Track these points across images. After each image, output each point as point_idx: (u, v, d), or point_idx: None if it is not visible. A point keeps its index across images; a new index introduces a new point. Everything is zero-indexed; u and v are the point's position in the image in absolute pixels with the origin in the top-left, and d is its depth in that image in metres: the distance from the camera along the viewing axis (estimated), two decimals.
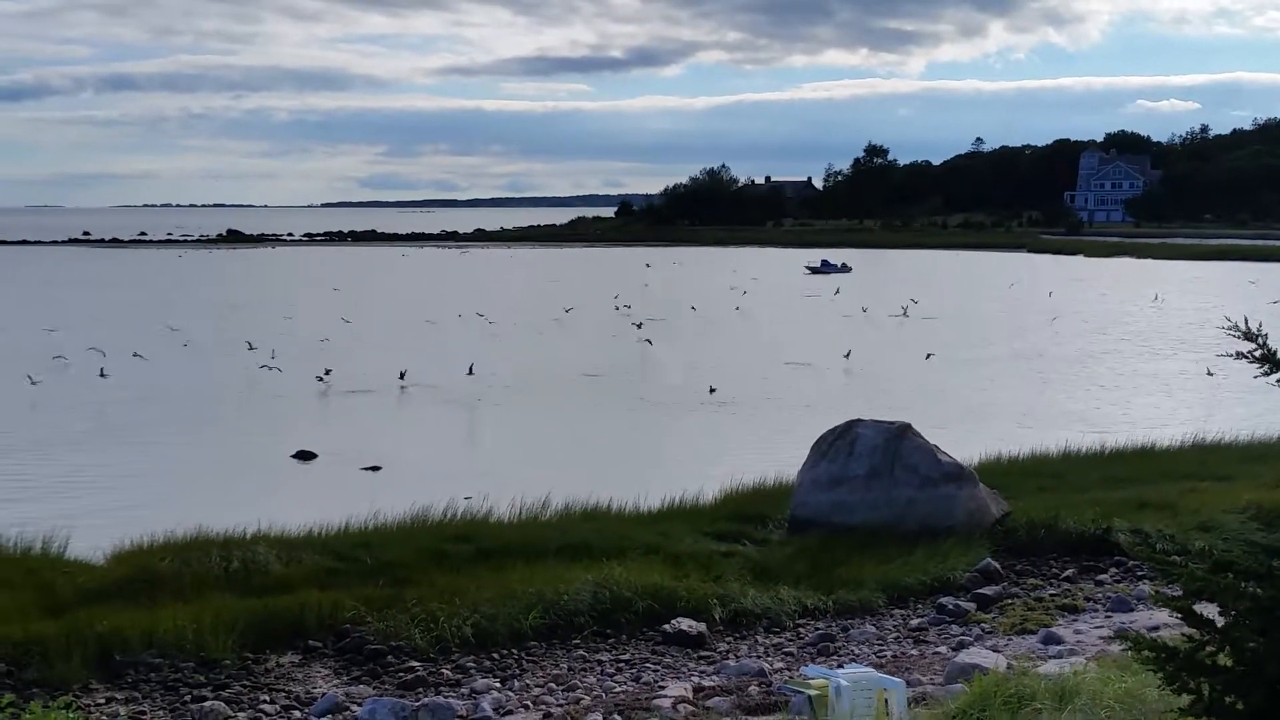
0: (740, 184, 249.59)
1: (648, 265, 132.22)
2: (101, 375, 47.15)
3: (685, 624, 18.07)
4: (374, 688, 16.20)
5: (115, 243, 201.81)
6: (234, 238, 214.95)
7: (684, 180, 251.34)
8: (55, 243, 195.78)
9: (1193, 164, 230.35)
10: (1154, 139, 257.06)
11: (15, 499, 25.00)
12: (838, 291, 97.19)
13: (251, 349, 53.82)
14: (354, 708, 15.31)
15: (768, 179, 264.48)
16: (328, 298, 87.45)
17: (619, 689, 16.12)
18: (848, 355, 54.79)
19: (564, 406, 42.75)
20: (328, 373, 46.04)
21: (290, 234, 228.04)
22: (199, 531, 20.81)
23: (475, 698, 15.73)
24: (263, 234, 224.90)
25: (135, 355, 51.54)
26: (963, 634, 18.12)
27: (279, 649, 17.12)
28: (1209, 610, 6.55)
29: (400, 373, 46.39)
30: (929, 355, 54.06)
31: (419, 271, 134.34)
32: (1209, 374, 44.39)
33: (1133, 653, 6.92)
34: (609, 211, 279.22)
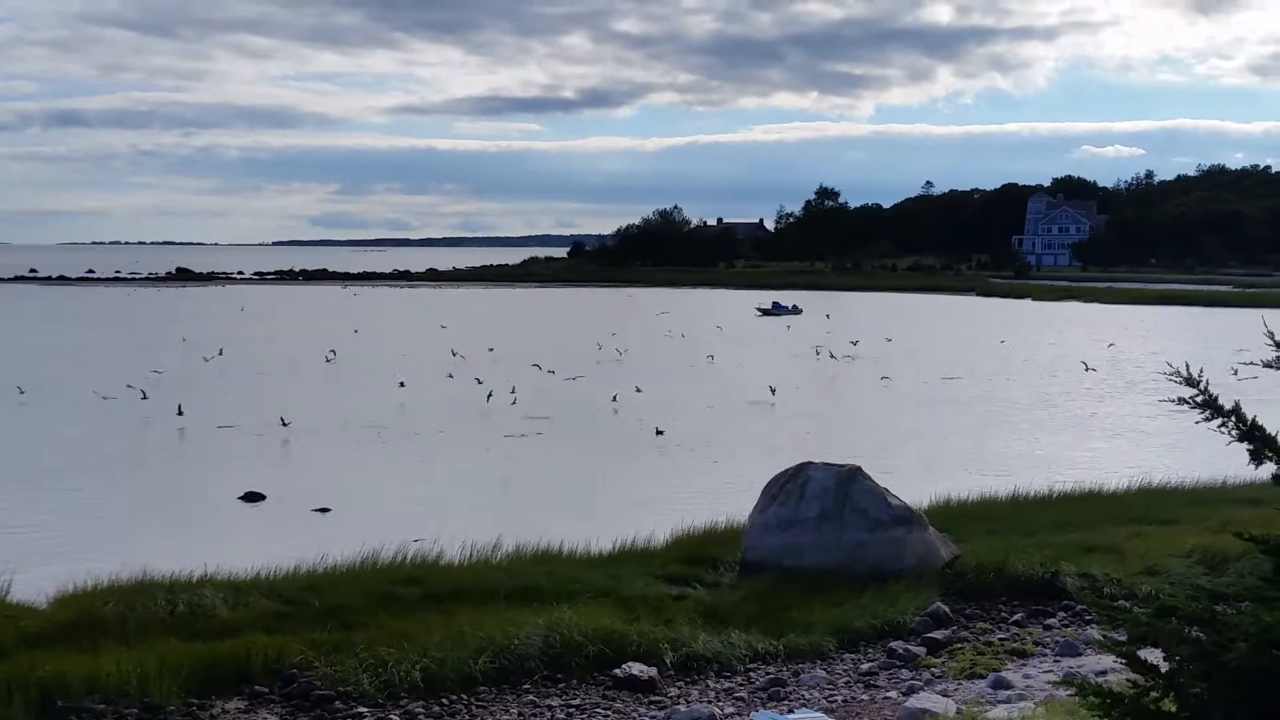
0: (692, 225, 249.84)
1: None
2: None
3: (636, 668, 18.12)
4: None
5: (63, 279, 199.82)
6: (183, 275, 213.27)
7: (636, 221, 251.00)
8: (1, 280, 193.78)
9: (1138, 209, 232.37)
10: (1100, 184, 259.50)
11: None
12: (789, 327, 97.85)
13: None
14: None
15: (720, 220, 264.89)
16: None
17: None
18: (773, 391, 54.90)
19: (521, 446, 42.71)
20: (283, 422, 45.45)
21: (240, 272, 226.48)
22: (144, 574, 20.72)
23: None
24: (212, 272, 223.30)
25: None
26: (913, 678, 18.24)
27: (225, 695, 17.08)
28: (1154, 655, 6.63)
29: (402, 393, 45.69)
30: (880, 389, 54.06)
31: (370, 310, 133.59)
32: (1152, 418, 44.84)
33: (1079, 698, 7.04)
34: (562, 251, 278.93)
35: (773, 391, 54.69)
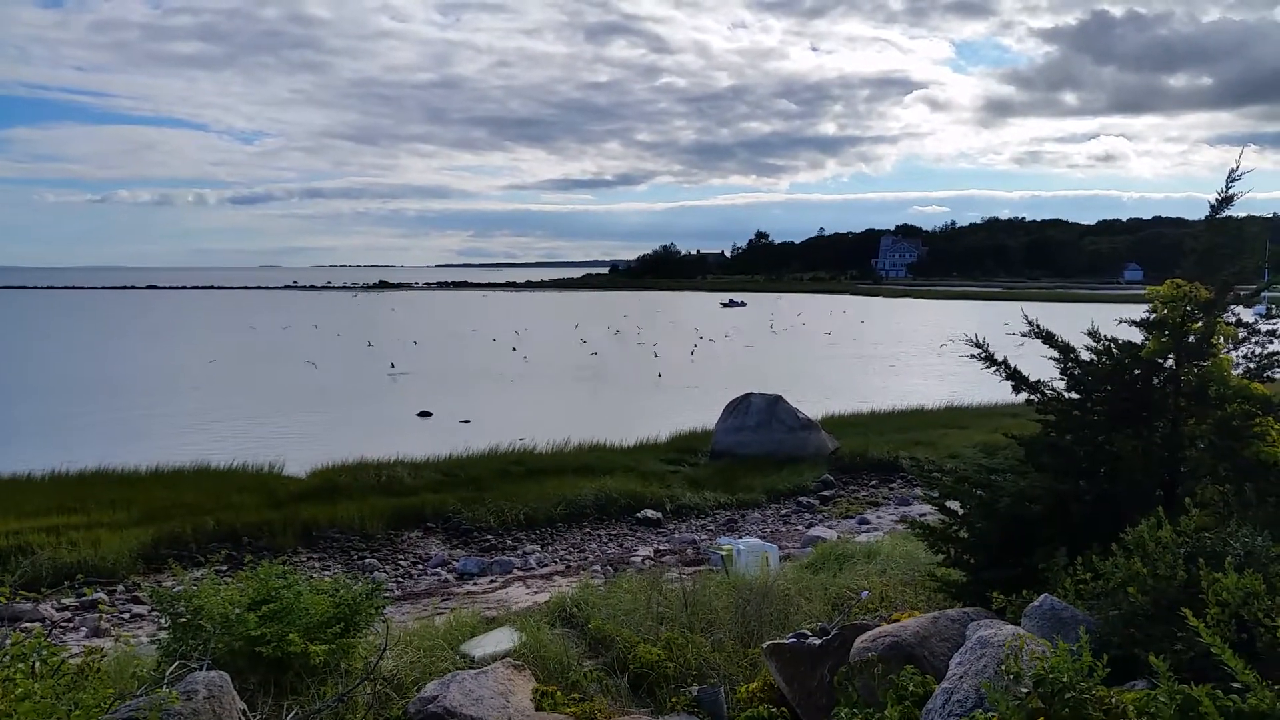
0: (682, 254, 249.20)
1: (624, 316, 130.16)
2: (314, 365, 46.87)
3: (650, 513, 18.25)
4: (466, 550, 16.31)
5: (312, 287, 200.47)
6: (383, 285, 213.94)
7: (649, 252, 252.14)
8: (276, 287, 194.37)
9: (946, 243, 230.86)
10: (923, 228, 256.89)
11: (256, 442, 24.96)
12: (738, 306, 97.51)
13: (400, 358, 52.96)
14: (454, 562, 15.41)
15: (698, 251, 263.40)
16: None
17: (610, 551, 16.28)
18: (693, 353, 54.51)
19: (581, 386, 42.69)
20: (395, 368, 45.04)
21: (416, 283, 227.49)
22: (362, 458, 20.91)
23: (525, 556, 15.87)
24: (400, 283, 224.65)
25: (307, 362, 50.16)
26: (812, 519, 18.32)
27: (409, 528, 17.25)
28: (954, 505, 6.67)
29: (521, 349, 45.63)
30: (789, 348, 53.77)
31: (495, 306, 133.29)
32: (954, 366, 44.68)
33: (910, 530, 7.07)
34: (605, 270, 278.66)
35: (692, 354, 54.43)
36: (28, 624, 11.74)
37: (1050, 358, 6.54)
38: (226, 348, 58.86)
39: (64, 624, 12.31)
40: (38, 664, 3.66)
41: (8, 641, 3.75)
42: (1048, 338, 6.54)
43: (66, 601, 13.10)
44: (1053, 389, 6.54)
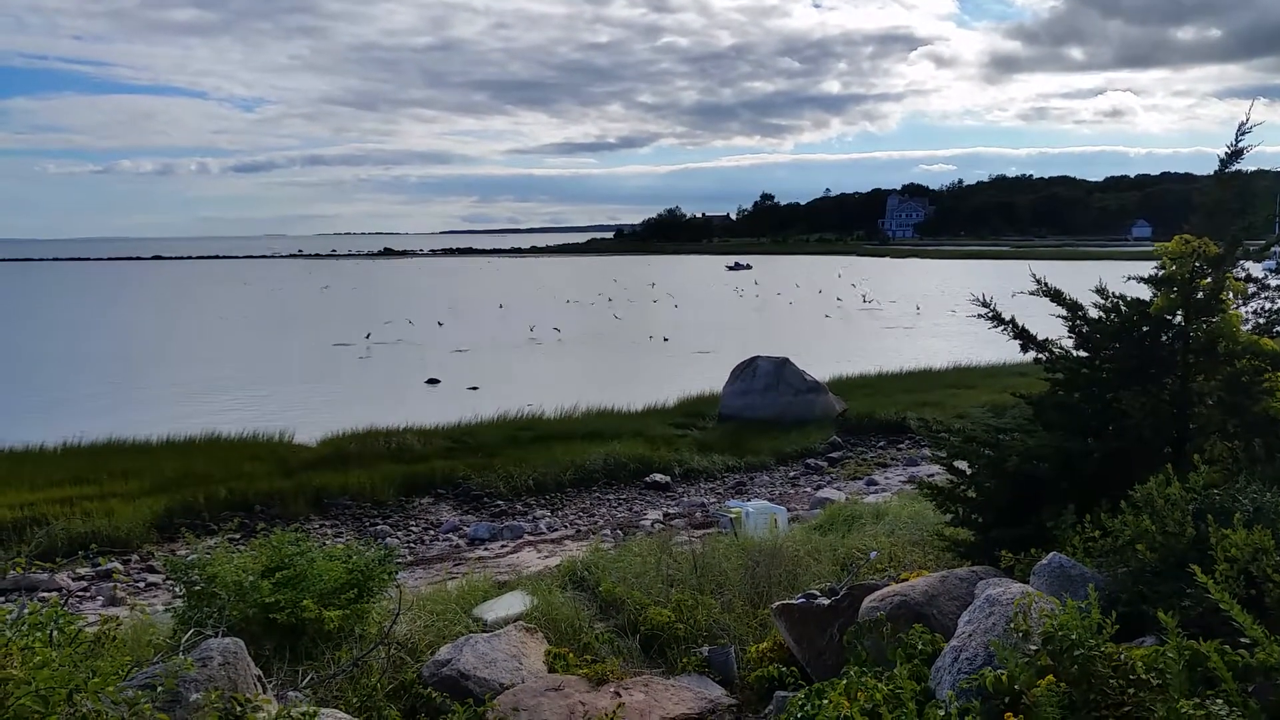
0: (687, 217, 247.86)
1: (652, 285, 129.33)
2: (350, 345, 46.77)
3: (658, 477, 18.31)
4: (477, 516, 16.40)
5: (316, 256, 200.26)
6: (388, 253, 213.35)
7: (654, 215, 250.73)
8: (280, 256, 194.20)
9: (953, 202, 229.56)
10: (930, 187, 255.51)
11: (269, 412, 25.03)
12: (743, 269, 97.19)
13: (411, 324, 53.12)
14: (465, 528, 15.52)
15: (703, 214, 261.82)
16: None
17: (619, 515, 16.37)
18: (676, 305, 54.35)
19: (584, 351, 42.68)
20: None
21: (420, 250, 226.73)
22: (371, 426, 20.96)
23: (535, 520, 15.97)
24: (404, 250, 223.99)
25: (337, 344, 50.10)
26: (820, 480, 18.38)
27: (420, 494, 17.35)
28: (962, 465, 6.67)
29: (532, 326, 45.57)
30: (796, 311, 53.55)
31: (500, 272, 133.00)
32: (961, 325, 44.47)
33: (918, 490, 7.08)
34: (609, 235, 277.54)
35: (675, 306, 54.24)
36: (44, 593, 11.87)
37: (1058, 316, 6.51)
38: (235, 317, 58.92)
39: (80, 593, 12.44)
40: (55, 633, 3.70)
41: (25, 610, 3.79)
42: (1055, 296, 6.51)
43: (82, 571, 13.23)
44: (1061, 347, 6.52)
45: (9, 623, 3.62)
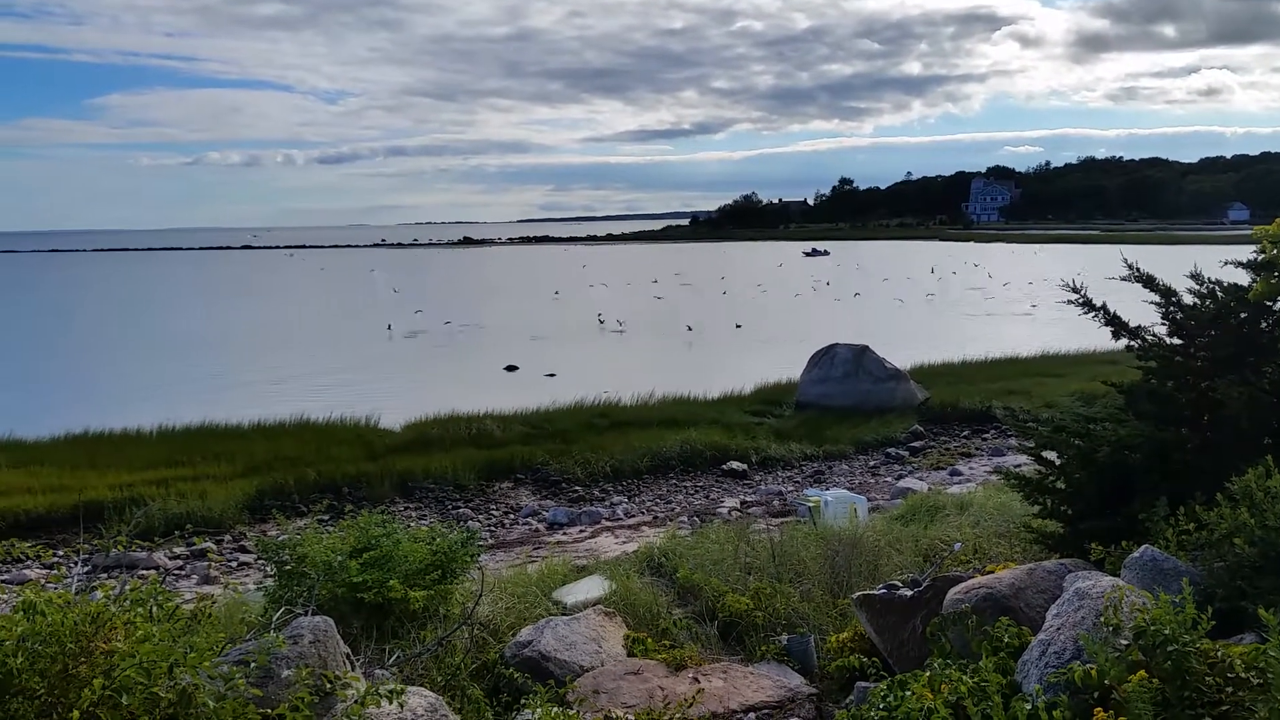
0: (763, 203, 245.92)
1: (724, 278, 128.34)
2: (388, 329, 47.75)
3: (735, 464, 18.24)
4: (555, 501, 16.54)
5: (399, 245, 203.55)
6: (466, 242, 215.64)
7: (729, 202, 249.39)
8: (363, 246, 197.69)
9: (1040, 185, 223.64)
10: (1016, 169, 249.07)
11: (355, 397, 25.55)
12: (820, 255, 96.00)
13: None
14: (544, 512, 15.67)
15: (780, 200, 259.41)
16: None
17: (696, 502, 16.35)
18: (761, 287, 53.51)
19: (660, 339, 42.70)
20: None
21: (499, 238, 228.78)
22: (453, 412, 21.22)
23: (613, 506, 16.05)
24: (483, 239, 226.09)
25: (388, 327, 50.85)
26: (901, 470, 18.11)
27: (500, 479, 17.54)
28: (1051, 455, 6.54)
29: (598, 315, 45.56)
30: (876, 297, 52.77)
31: (578, 259, 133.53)
32: (1049, 312, 43.35)
33: (1005, 481, 6.96)
34: (685, 221, 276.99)
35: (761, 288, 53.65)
36: (143, 571, 12.34)
37: (1151, 302, 6.33)
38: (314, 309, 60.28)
39: (176, 571, 12.89)
40: (154, 608, 3.83)
41: (127, 587, 3.93)
42: (1148, 281, 6.32)
43: (177, 550, 13.72)
44: (1153, 334, 6.33)
45: (113, 598, 3.76)
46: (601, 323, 46.42)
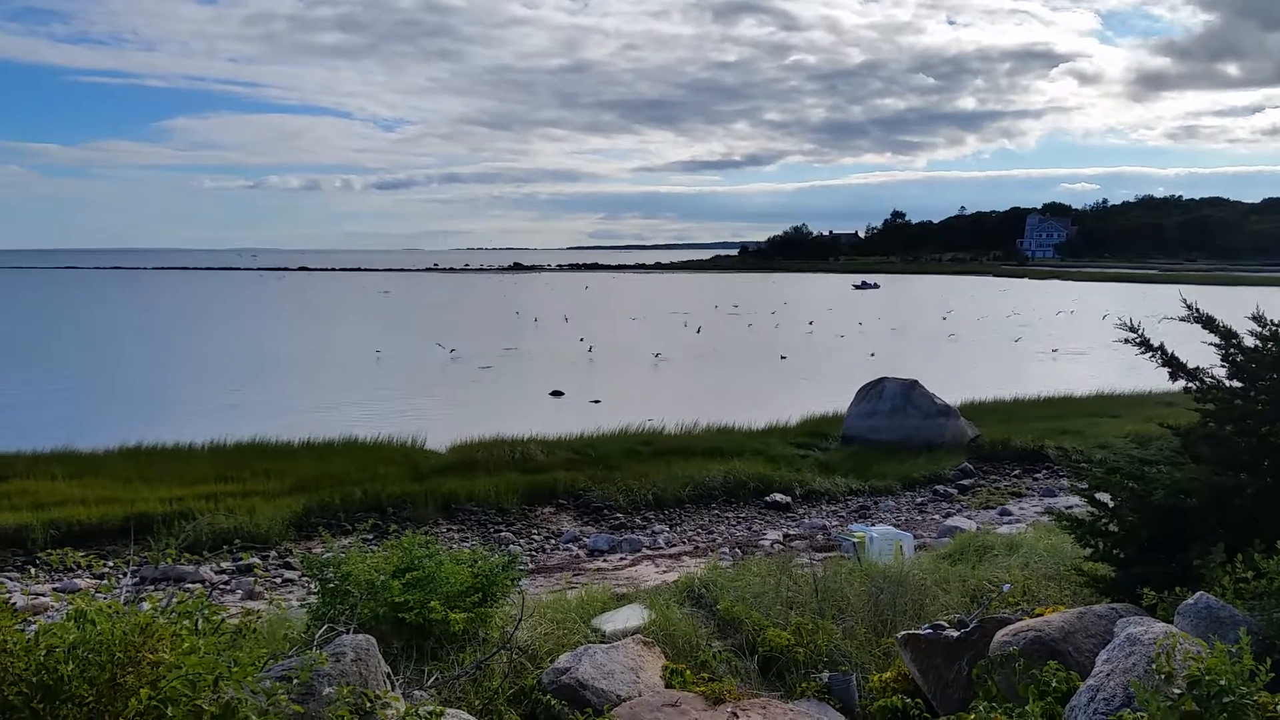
0: (813, 235, 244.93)
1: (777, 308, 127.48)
2: (447, 350, 48.03)
3: (778, 497, 18.12)
4: (596, 527, 16.53)
5: (451, 269, 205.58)
6: (517, 267, 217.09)
7: (779, 233, 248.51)
8: (418, 270, 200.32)
9: (1097, 222, 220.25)
10: (1072, 206, 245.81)
11: (401, 418, 25.83)
12: (870, 288, 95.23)
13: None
14: (585, 538, 15.65)
15: (830, 232, 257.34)
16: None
17: (738, 534, 16.24)
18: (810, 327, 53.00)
19: (704, 368, 42.61)
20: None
21: (549, 265, 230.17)
22: (497, 435, 21.35)
23: (654, 535, 16.00)
24: (533, 264, 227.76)
25: (439, 345, 51.14)
26: (949, 508, 17.85)
27: (542, 503, 17.58)
28: (1104, 497, 6.41)
29: (655, 354, 45.66)
30: (928, 330, 52.16)
31: (624, 287, 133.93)
32: (1104, 351, 42.53)
33: (1056, 522, 6.84)
34: (734, 251, 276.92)
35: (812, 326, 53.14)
36: (190, 584, 12.53)
37: (1210, 344, 6.21)
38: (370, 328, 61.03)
39: (221, 586, 13.07)
40: (200, 622, 3.88)
41: (174, 600, 3.99)
42: (1208, 322, 6.20)
43: (224, 565, 13.91)
44: (1212, 376, 6.21)
45: (160, 609, 3.82)
46: (659, 356, 45.77)
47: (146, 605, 3.81)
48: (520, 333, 56.49)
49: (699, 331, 55.65)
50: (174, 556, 13.57)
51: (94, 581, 12.50)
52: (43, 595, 11.98)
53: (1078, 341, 52.42)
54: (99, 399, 32.85)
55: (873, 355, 43.97)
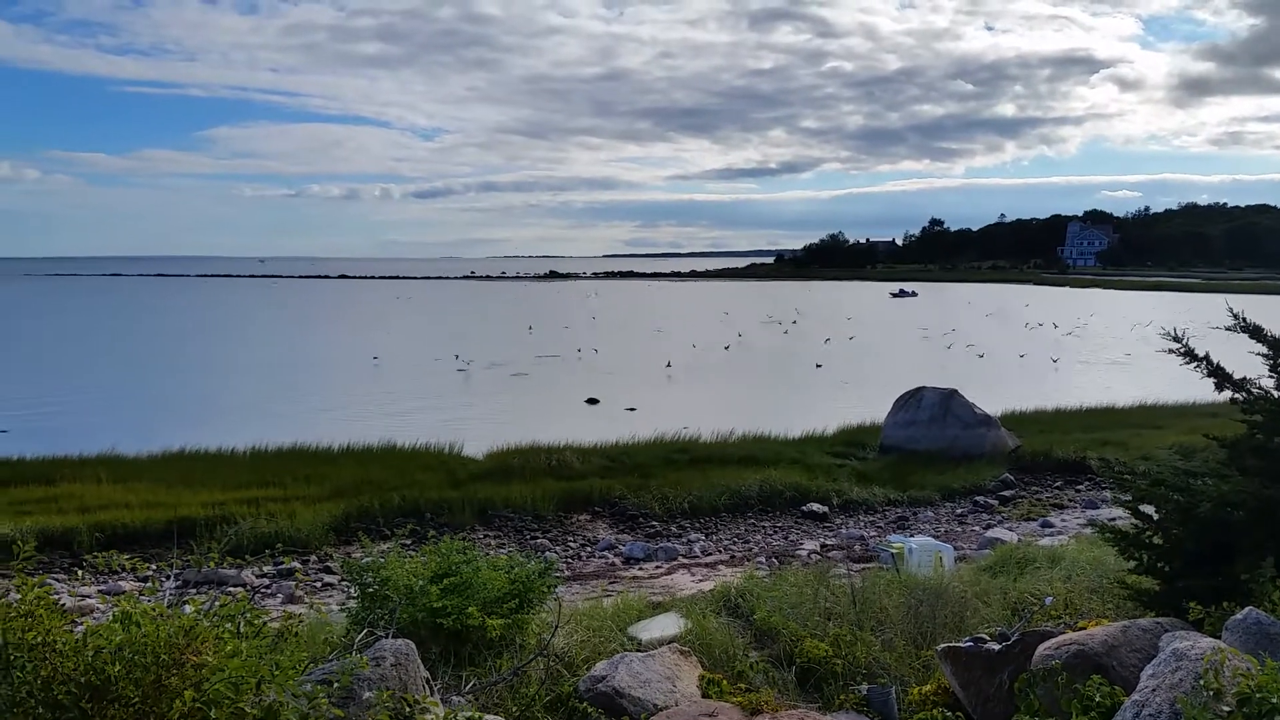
0: (850, 243, 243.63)
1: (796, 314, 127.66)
2: (459, 360, 48.31)
3: (815, 506, 18.02)
4: (632, 535, 16.53)
5: (488, 277, 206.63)
6: (552, 275, 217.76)
7: (815, 240, 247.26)
8: (455, 277, 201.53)
9: (1139, 230, 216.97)
10: (1114, 214, 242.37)
11: (440, 425, 25.98)
12: (908, 296, 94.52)
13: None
14: (621, 546, 15.65)
15: (867, 240, 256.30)
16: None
17: (775, 543, 16.18)
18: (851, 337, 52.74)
19: (741, 377, 42.48)
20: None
21: (584, 273, 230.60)
22: (534, 443, 21.44)
23: (690, 543, 15.97)
24: (569, 273, 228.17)
25: (456, 357, 51.20)
26: (989, 519, 17.67)
27: (577, 511, 17.61)
28: (1148, 509, 6.31)
29: (668, 363, 45.51)
30: (965, 339, 51.72)
31: (661, 294, 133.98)
32: (1147, 361, 41.88)
33: (1099, 534, 6.74)
34: (770, 259, 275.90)
35: (826, 342, 52.70)
36: (232, 588, 12.67)
37: (1257, 353, 6.10)
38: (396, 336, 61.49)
39: (263, 589, 13.20)
40: (243, 625, 3.93)
41: (217, 603, 4.04)
42: (1255, 332, 6.09)
43: (265, 569, 14.05)
44: (1260, 387, 6.09)
45: (203, 612, 3.87)
46: (669, 366, 45.44)
47: (190, 608, 3.86)
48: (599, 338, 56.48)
49: (792, 326, 55.09)
50: (216, 560, 13.70)
51: (138, 584, 12.69)
52: (89, 597, 12.18)
53: (1079, 351, 51.76)
54: (143, 405, 33.39)
55: (955, 352, 43.64)
